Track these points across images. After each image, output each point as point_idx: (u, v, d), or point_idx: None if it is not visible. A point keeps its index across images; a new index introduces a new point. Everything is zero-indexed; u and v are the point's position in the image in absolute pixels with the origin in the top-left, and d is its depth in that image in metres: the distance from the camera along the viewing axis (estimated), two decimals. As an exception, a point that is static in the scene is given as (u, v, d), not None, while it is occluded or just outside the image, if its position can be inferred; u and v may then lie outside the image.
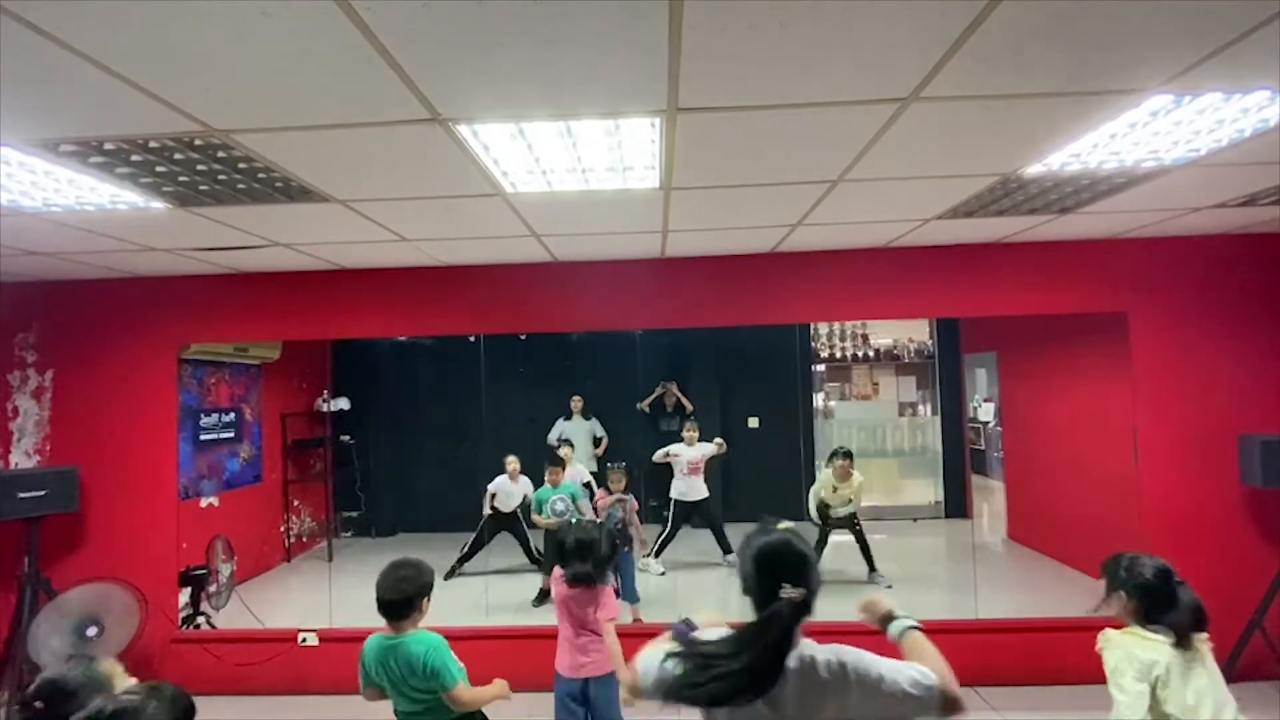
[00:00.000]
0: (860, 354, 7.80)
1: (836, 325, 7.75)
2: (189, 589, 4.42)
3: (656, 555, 5.85)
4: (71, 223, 3.02)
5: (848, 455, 5.45)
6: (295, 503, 7.05)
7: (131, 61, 1.65)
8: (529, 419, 7.16)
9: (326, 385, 7.54)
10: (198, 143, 2.20)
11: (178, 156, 2.32)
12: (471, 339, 7.50)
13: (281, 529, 6.84)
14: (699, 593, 5.53)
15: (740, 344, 7.39)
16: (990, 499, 7.46)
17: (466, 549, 5.81)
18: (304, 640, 4.13)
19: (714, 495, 6.13)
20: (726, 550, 5.85)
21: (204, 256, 3.80)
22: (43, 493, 3.86)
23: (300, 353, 7.07)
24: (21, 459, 4.22)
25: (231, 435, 6.18)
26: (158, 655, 4.12)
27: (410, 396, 7.72)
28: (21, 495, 3.80)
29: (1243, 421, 3.87)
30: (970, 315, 4.67)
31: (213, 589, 4.54)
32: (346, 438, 7.49)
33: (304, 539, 7.17)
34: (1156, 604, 1.94)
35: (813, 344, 7.81)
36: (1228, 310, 3.93)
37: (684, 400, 7.15)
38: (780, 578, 1.37)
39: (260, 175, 2.52)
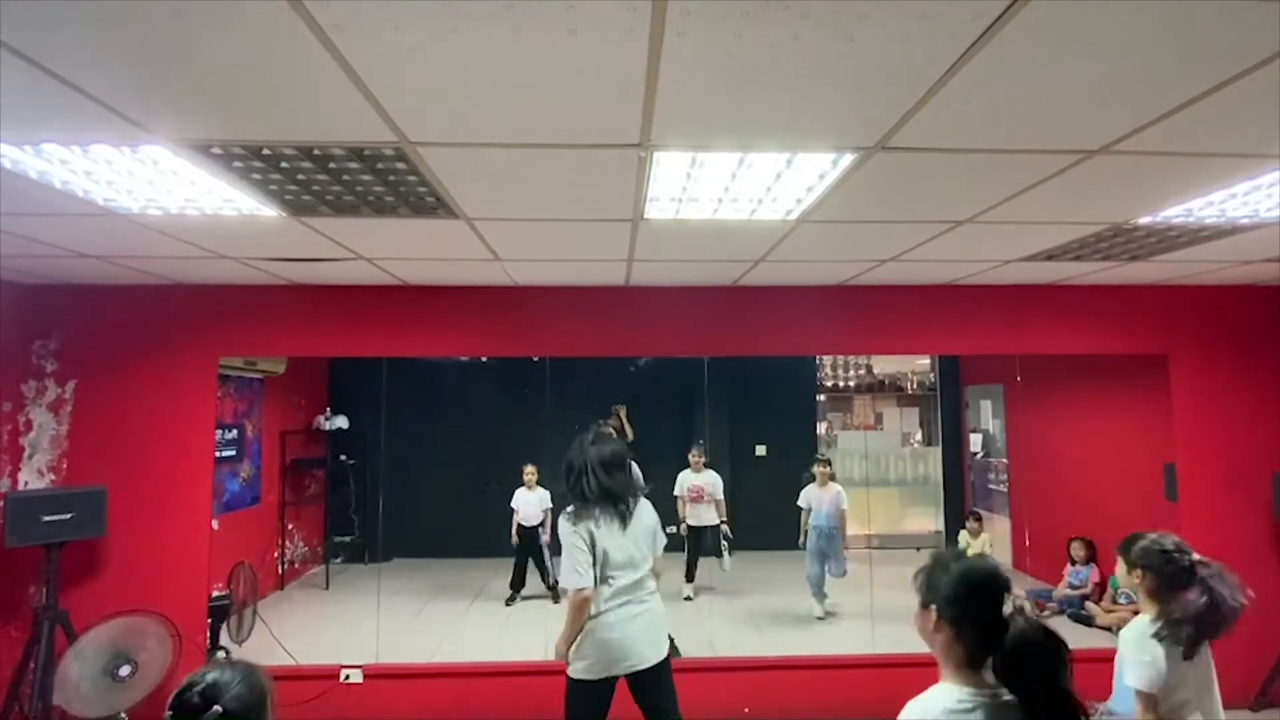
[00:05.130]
0: (864, 384, 7.98)
1: (841, 355, 7.89)
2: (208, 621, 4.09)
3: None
4: (154, 225, 2.82)
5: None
6: (290, 526, 6.66)
7: (379, 68, 1.56)
8: (537, 442, 6.94)
9: (325, 402, 7.22)
10: (367, 152, 2.09)
11: (331, 165, 2.20)
12: (484, 359, 7.34)
13: (276, 555, 6.44)
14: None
15: (750, 371, 7.41)
16: (987, 529, 7.67)
17: (513, 578, 6.06)
18: (347, 678, 3.88)
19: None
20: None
21: (267, 266, 3.59)
22: (69, 516, 3.50)
23: (297, 367, 6.72)
24: (33, 477, 3.84)
25: (233, 453, 5.81)
26: (181, 695, 3.78)
27: (410, 417, 7.38)
28: (46, 519, 3.44)
29: (1277, 460, 4.13)
30: (1016, 353, 4.86)
31: (234, 620, 4.22)
32: (344, 458, 7.14)
33: (295, 565, 6.77)
34: None
35: (817, 373, 7.94)
36: (1263, 355, 4.21)
37: (627, 427, 6.74)
38: None
39: (401, 188, 2.41)
